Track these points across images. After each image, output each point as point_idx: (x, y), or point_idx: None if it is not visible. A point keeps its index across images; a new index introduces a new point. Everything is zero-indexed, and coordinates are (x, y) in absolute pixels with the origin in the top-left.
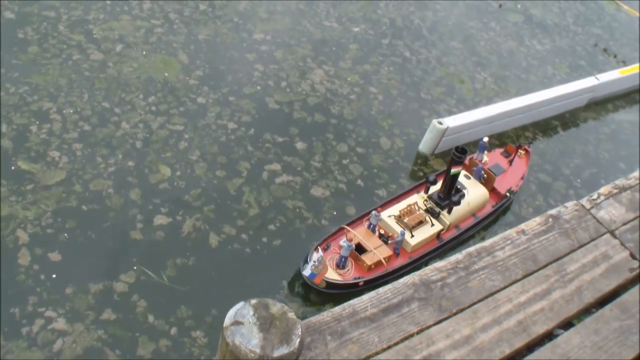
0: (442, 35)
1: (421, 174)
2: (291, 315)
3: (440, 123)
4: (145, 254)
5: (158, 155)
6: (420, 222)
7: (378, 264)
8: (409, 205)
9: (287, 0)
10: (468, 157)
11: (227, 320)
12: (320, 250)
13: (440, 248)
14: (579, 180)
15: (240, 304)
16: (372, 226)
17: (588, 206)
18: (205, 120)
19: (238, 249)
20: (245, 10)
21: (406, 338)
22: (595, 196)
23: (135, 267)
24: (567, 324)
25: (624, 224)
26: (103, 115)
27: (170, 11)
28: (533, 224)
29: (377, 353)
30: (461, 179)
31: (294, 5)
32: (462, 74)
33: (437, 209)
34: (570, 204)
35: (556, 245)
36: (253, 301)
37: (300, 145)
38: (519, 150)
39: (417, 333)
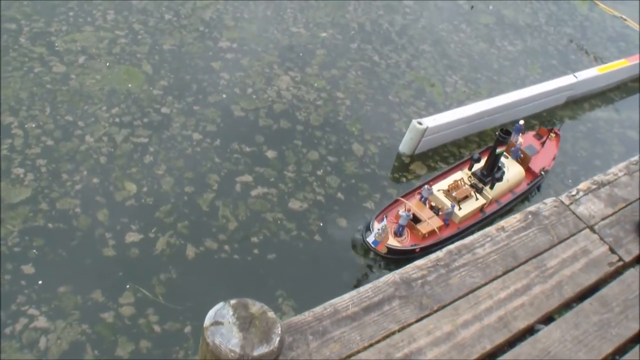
0: (411, 39)
1: (404, 180)
2: (271, 314)
3: (420, 123)
4: (123, 270)
5: (123, 171)
6: (466, 197)
7: (431, 233)
8: (456, 181)
9: (254, 7)
10: None
11: (207, 321)
12: (385, 219)
13: (484, 220)
14: (570, 181)
15: (220, 305)
16: (423, 199)
17: (567, 202)
18: (170, 131)
19: (228, 263)
20: (211, 19)
21: (387, 336)
22: (574, 192)
23: (127, 286)
24: (547, 319)
25: (603, 219)
26: (66, 129)
27: (135, 21)
28: (513, 220)
29: (358, 351)
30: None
31: (260, 11)
32: (433, 77)
33: (481, 185)
34: (549, 200)
35: (536, 242)
36: (232, 301)
37: (270, 154)
38: (550, 133)
39: (399, 331)
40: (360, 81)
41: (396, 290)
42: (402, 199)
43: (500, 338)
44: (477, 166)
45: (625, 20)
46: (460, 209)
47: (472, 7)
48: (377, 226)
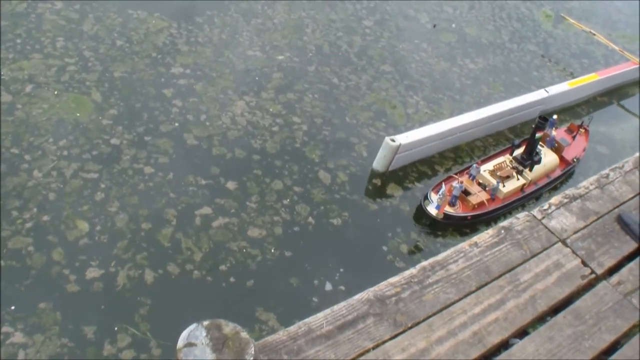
0: (371, 60)
1: (388, 204)
2: (244, 335)
3: (393, 140)
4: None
5: (74, 209)
6: (508, 176)
7: (480, 204)
8: (499, 163)
9: (209, 31)
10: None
11: (180, 342)
12: (443, 185)
13: (524, 198)
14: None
15: (193, 326)
16: (472, 177)
17: (539, 216)
18: (121, 164)
19: (206, 290)
20: (164, 45)
21: (362, 354)
22: (546, 206)
23: (116, 328)
24: (522, 333)
25: (575, 232)
26: (12, 162)
27: (85, 48)
28: (485, 236)
29: None
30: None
31: (215, 35)
32: (394, 98)
33: (521, 167)
34: (521, 215)
35: (509, 256)
36: (205, 322)
37: (230, 185)
38: (580, 129)
39: (373, 348)
40: (317, 104)
41: (370, 307)
42: (454, 175)
43: (475, 353)
44: (518, 152)
45: (594, 34)
46: (504, 186)
47: (434, 25)
48: (434, 196)
